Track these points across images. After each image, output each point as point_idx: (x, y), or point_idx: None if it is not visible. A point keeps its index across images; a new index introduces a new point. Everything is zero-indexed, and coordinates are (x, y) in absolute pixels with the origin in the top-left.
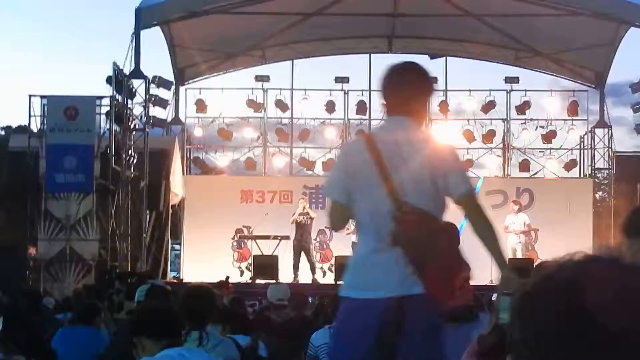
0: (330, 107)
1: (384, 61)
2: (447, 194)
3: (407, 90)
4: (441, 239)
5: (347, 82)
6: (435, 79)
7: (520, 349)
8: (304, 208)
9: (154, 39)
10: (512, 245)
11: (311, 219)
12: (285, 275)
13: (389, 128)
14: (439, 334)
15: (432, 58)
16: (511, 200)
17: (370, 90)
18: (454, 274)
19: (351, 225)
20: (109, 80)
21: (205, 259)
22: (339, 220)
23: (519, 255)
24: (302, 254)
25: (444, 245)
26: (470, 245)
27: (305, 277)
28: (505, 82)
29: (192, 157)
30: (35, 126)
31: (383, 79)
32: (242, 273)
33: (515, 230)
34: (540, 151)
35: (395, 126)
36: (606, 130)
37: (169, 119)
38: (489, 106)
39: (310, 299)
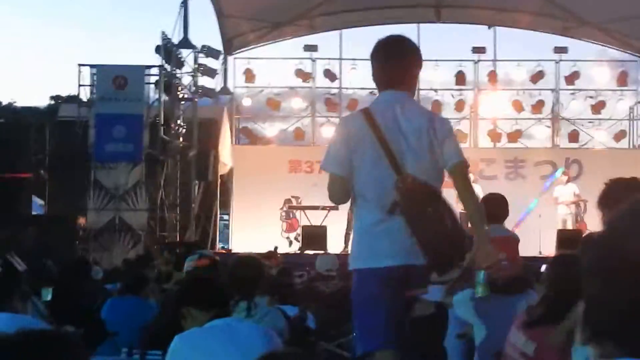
0: None
1: (433, 31)
2: (442, 163)
3: (401, 64)
4: (442, 209)
5: None
6: (418, 50)
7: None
8: None
9: (202, 8)
10: (562, 216)
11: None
12: (334, 245)
13: (386, 102)
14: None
15: (489, 27)
16: (560, 171)
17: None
18: (455, 245)
19: None
20: (157, 49)
21: (253, 229)
22: (341, 194)
23: (569, 226)
24: None
25: (445, 216)
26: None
27: None
28: (554, 52)
29: (240, 127)
30: (84, 95)
31: (374, 53)
32: (290, 243)
33: (565, 202)
34: (589, 122)
35: (392, 100)
36: None
37: (218, 89)
38: (537, 76)
39: None
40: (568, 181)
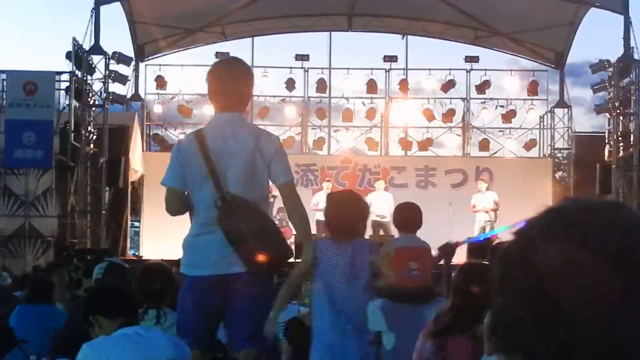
0: (291, 84)
1: (345, 39)
2: (272, 181)
3: (236, 87)
4: (257, 222)
5: (308, 59)
6: (250, 70)
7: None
8: None
9: (114, 14)
10: (481, 224)
11: (274, 196)
12: None
13: (219, 124)
14: (262, 306)
15: (403, 37)
16: (479, 179)
17: (330, 68)
18: (268, 253)
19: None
20: (68, 55)
21: (164, 236)
22: (177, 206)
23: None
24: None
25: (260, 228)
26: (429, 229)
27: None
28: (465, 62)
29: (151, 134)
30: None
31: (212, 74)
32: None
33: (486, 208)
34: (499, 131)
35: (225, 122)
36: (566, 110)
37: (129, 96)
38: (448, 85)
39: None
40: (488, 188)
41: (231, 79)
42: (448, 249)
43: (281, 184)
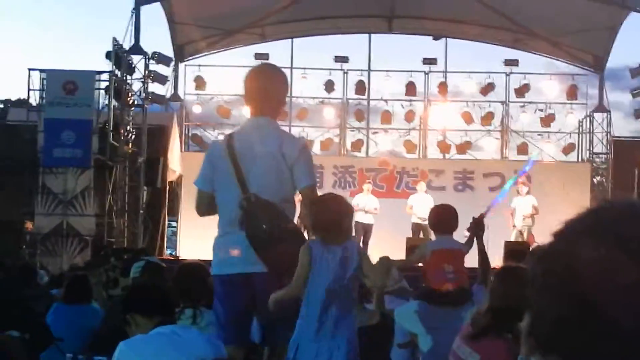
0: (330, 86)
1: (384, 41)
2: (293, 184)
3: (266, 92)
4: (278, 224)
5: (347, 61)
6: (284, 76)
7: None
8: None
9: (154, 15)
10: (519, 228)
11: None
12: None
13: (248, 128)
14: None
15: (435, 39)
16: (519, 182)
17: (369, 70)
18: (287, 255)
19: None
20: (108, 55)
21: (202, 236)
22: (206, 207)
23: (526, 238)
24: None
25: (280, 230)
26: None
27: None
28: (505, 65)
29: (190, 134)
30: (34, 100)
31: (245, 80)
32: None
33: (525, 214)
34: (538, 134)
35: (253, 126)
36: (605, 114)
37: (168, 96)
38: (488, 88)
39: None
40: (528, 192)
41: (264, 84)
42: (477, 224)
43: (302, 187)
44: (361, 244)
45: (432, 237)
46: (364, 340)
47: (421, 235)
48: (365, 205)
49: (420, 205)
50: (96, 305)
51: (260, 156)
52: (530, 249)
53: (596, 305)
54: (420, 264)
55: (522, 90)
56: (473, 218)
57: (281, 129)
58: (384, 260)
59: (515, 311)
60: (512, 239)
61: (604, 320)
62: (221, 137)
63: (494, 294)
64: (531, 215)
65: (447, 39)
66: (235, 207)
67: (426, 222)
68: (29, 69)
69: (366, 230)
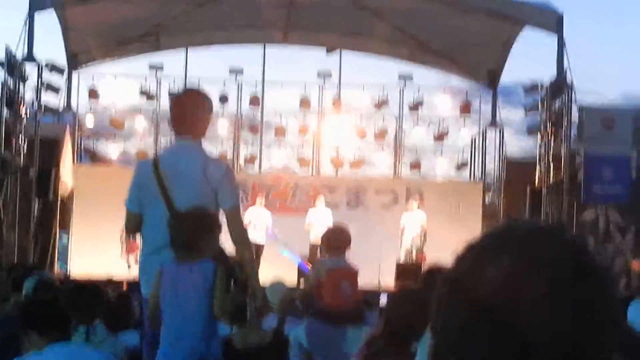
0: (224, 98)
1: (280, 52)
2: (217, 205)
3: (188, 115)
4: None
5: (242, 73)
6: (209, 101)
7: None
8: None
9: (48, 22)
10: (407, 247)
11: None
12: None
13: (173, 150)
14: None
15: (328, 52)
16: (411, 197)
17: (264, 82)
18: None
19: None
20: (0, 64)
21: (93, 250)
22: (134, 227)
23: (414, 256)
24: None
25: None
26: (357, 249)
27: None
28: (399, 79)
29: (83, 146)
30: None
31: (170, 104)
32: (129, 266)
33: (413, 235)
34: (431, 152)
35: (179, 147)
36: (497, 132)
37: (61, 106)
38: (382, 103)
39: None
40: (418, 207)
41: (189, 108)
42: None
43: (226, 208)
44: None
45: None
46: None
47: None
48: (257, 221)
49: (320, 223)
50: None
51: (184, 176)
52: (423, 268)
53: (503, 322)
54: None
55: (416, 106)
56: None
57: (206, 151)
58: (288, 293)
59: (410, 332)
60: (402, 258)
61: (512, 335)
62: (114, 149)
63: (389, 315)
64: (419, 235)
65: (343, 53)
66: (162, 226)
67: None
68: None
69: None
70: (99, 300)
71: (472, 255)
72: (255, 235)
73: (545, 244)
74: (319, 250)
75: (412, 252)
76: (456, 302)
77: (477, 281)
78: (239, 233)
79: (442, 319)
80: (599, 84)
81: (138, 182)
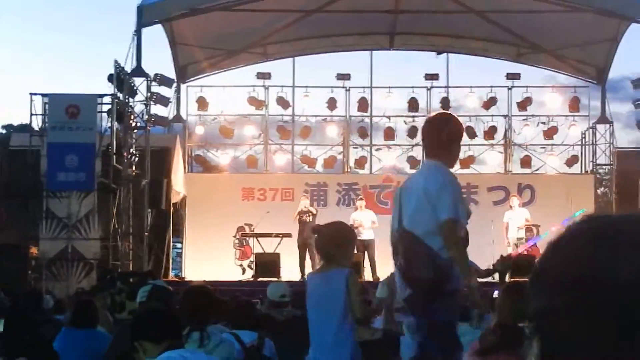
0: (332, 104)
1: (386, 58)
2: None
3: (430, 139)
4: (415, 253)
5: (349, 79)
6: (454, 118)
7: (538, 321)
8: (305, 205)
9: (155, 36)
10: (513, 240)
11: (314, 215)
12: (287, 273)
13: (418, 169)
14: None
15: (438, 54)
16: (511, 195)
17: (371, 87)
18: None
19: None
20: (110, 78)
21: (207, 257)
22: None
23: (521, 250)
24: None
25: (412, 260)
26: (471, 246)
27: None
28: (507, 79)
29: (193, 155)
30: (36, 124)
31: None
32: (244, 271)
33: (519, 225)
34: (541, 147)
35: (421, 167)
36: (607, 126)
37: (171, 117)
38: (490, 102)
39: None
40: (520, 206)
41: (431, 130)
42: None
43: (440, 220)
44: (366, 260)
45: None
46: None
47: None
48: (363, 221)
49: None
50: (102, 330)
51: (414, 192)
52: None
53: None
54: None
55: (524, 104)
56: (501, 256)
57: (437, 169)
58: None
59: (522, 327)
60: (509, 251)
61: (603, 310)
62: (224, 157)
63: (501, 310)
64: (525, 226)
65: (449, 54)
66: (394, 237)
67: None
68: (31, 94)
69: (367, 246)
70: (212, 305)
71: (604, 250)
72: (362, 233)
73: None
74: None
75: (517, 246)
76: (589, 307)
77: (615, 281)
78: (447, 245)
79: (543, 319)
80: None
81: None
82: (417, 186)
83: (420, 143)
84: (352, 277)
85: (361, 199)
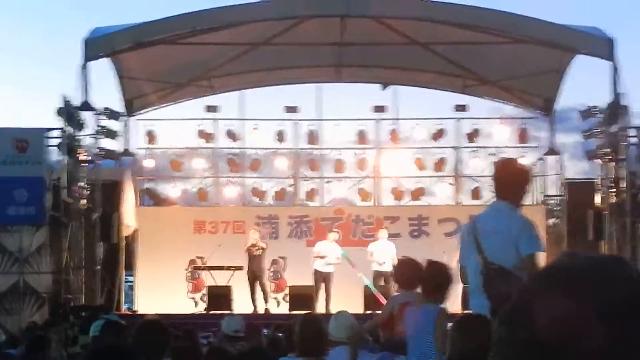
0: (281, 136)
1: (334, 90)
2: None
3: (500, 181)
4: (501, 284)
5: (297, 111)
6: (526, 168)
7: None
8: (255, 239)
9: (104, 69)
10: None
11: (263, 249)
12: (239, 305)
13: (490, 210)
14: None
15: (383, 87)
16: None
17: (320, 119)
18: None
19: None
20: (59, 112)
21: (159, 290)
22: (462, 277)
23: None
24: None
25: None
26: None
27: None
28: (455, 110)
29: (143, 188)
30: None
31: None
32: (196, 304)
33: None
34: (491, 179)
35: (493, 208)
36: (556, 157)
37: (120, 150)
38: (438, 134)
39: (265, 330)
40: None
41: (504, 174)
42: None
43: (522, 255)
44: (322, 293)
45: (394, 285)
46: None
47: (382, 283)
48: (329, 253)
49: (381, 252)
50: None
51: (494, 232)
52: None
53: (549, 351)
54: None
55: (472, 136)
56: None
57: (515, 212)
58: (356, 323)
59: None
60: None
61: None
62: (175, 190)
63: (454, 343)
64: None
65: (397, 86)
66: (478, 275)
67: (387, 270)
68: None
69: (326, 278)
70: (166, 339)
71: (532, 290)
72: (323, 265)
73: (608, 285)
74: (382, 277)
75: None
76: (515, 339)
77: (537, 319)
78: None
79: (502, 353)
80: None
81: (461, 239)
82: (500, 227)
83: (370, 176)
84: (442, 314)
85: (335, 231)
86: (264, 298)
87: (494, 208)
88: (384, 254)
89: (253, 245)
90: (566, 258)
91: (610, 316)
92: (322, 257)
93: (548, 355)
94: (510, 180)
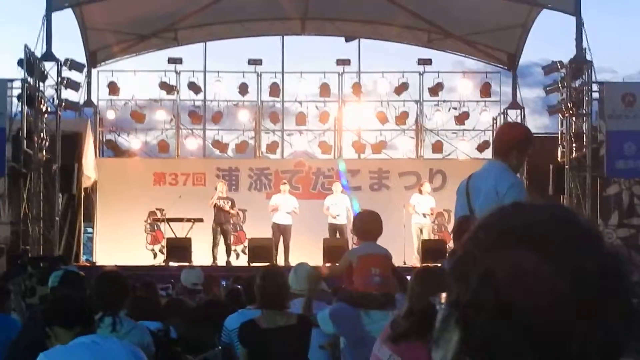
0: (243, 89)
1: (298, 43)
2: None
3: (497, 142)
4: None
5: (260, 64)
6: (526, 130)
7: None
8: (222, 191)
9: (66, 20)
10: (418, 226)
11: (232, 201)
12: (198, 258)
13: (483, 168)
14: None
15: (347, 41)
16: (423, 181)
17: (283, 72)
18: None
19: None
20: (20, 63)
21: (118, 241)
22: None
23: (426, 235)
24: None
25: None
26: (384, 229)
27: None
28: (418, 64)
29: (104, 140)
30: None
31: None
32: (155, 256)
33: (424, 212)
34: (453, 132)
35: (485, 167)
36: (518, 111)
37: (82, 102)
38: (401, 88)
39: (223, 282)
40: (431, 194)
41: (499, 134)
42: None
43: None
44: (280, 245)
45: (349, 237)
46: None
47: (337, 236)
48: (283, 205)
49: (336, 206)
50: (15, 316)
51: (480, 192)
52: (448, 246)
53: (514, 312)
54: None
55: (435, 89)
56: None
57: (505, 171)
58: (314, 272)
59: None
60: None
61: (523, 327)
62: (135, 142)
63: (413, 295)
64: (431, 214)
65: (361, 39)
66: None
67: (341, 223)
68: None
69: (284, 231)
70: (125, 291)
71: (492, 240)
72: (281, 217)
73: (584, 250)
74: (336, 230)
75: (421, 231)
76: (478, 300)
77: (485, 272)
78: None
79: (467, 312)
80: (613, 61)
81: (457, 198)
82: (487, 185)
83: (332, 129)
84: None
85: (284, 183)
86: (227, 251)
87: (487, 167)
88: (339, 207)
89: (221, 197)
90: (521, 211)
91: (584, 285)
92: (276, 210)
93: (515, 316)
94: (507, 141)
